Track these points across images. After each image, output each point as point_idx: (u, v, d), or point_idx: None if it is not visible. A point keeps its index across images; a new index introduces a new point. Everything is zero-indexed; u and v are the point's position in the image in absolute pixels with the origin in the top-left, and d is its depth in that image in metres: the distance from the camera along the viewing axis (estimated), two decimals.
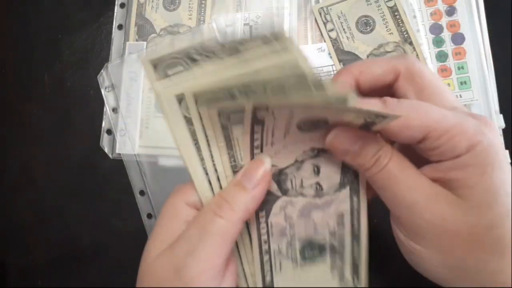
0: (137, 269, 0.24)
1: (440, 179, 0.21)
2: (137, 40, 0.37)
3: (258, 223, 0.25)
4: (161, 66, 0.21)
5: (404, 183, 0.21)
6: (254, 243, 0.25)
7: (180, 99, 0.21)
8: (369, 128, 0.21)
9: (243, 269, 0.26)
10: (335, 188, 0.25)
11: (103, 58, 0.38)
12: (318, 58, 0.36)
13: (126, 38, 0.38)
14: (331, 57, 0.36)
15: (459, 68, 0.35)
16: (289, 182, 0.24)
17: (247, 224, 0.24)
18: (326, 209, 0.25)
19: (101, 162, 0.37)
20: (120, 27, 0.38)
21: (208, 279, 0.21)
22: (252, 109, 0.21)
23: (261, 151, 0.23)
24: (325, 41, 0.36)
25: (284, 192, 0.24)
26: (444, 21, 0.36)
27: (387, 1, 0.36)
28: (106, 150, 0.36)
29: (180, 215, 0.23)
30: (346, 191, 0.25)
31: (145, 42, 0.37)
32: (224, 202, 0.22)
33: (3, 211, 0.38)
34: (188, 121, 0.22)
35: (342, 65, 0.35)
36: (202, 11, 0.37)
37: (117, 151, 0.36)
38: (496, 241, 0.20)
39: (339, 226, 0.26)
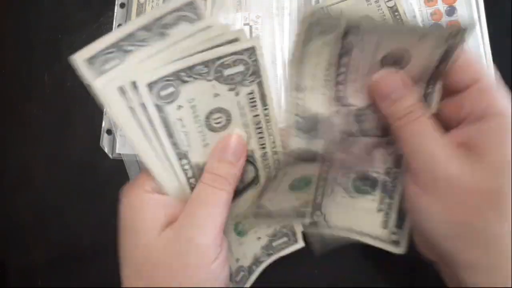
0: None
1: (464, 142, 0.22)
2: None
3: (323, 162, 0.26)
4: (97, 63, 0.22)
5: (429, 136, 0.22)
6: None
7: (123, 91, 0.22)
8: (446, 61, 0.22)
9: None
10: None
11: None
12: None
13: None
14: None
15: None
16: (367, 123, 0.25)
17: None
18: (388, 146, 0.26)
19: (101, 162, 0.37)
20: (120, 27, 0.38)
21: (216, 248, 0.23)
22: (343, 31, 0.21)
23: (345, 87, 0.24)
24: None
25: (362, 132, 0.26)
26: (444, 21, 0.36)
27: (387, 1, 0.36)
28: (106, 150, 0.36)
29: (149, 203, 0.24)
30: None
31: None
32: (219, 177, 0.24)
33: (3, 211, 0.38)
34: (133, 112, 0.22)
35: None
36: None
37: (117, 151, 0.36)
38: (505, 206, 0.21)
39: (396, 166, 0.27)
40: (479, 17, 0.35)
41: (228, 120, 0.25)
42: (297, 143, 0.25)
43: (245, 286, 0.28)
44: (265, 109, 0.25)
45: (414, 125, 0.23)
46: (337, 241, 0.29)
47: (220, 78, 0.23)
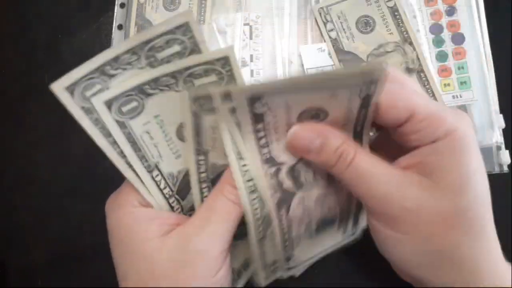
0: None
1: (417, 164, 0.21)
2: None
3: (280, 221, 0.25)
4: (78, 91, 0.21)
5: (374, 177, 0.21)
6: (277, 238, 0.25)
7: (109, 105, 0.22)
8: (367, 106, 0.21)
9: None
10: None
11: None
12: (318, 58, 0.36)
13: (126, 38, 0.38)
14: (331, 57, 0.36)
15: (459, 68, 0.35)
16: (303, 177, 0.24)
17: (268, 223, 0.25)
18: (339, 193, 0.26)
19: (101, 162, 0.37)
20: (120, 27, 0.38)
21: (222, 260, 0.23)
22: (248, 102, 0.20)
23: (269, 149, 0.23)
24: (325, 41, 0.36)
25: (299, 187, 0.25)
26: (444, 21, 0.36)
27: (387, 1, 0.36)
28: None
29: (140, 217, 0.23)
30: None
31: None
32: (237, 190, 0.23)
33: (3, 211, 0.38)
34: (121, 125, 0.22)
35: (342, 65, 0.35)
36: (202, 11, 0.37)
37: None
38: (470, 223, 0.20)
39: (348, 202, 0.27)
40: (479, 17, 0.35)
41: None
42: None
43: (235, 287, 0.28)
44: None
45: (352, 170, 0.21)
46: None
47: (189, 89, 0.22)
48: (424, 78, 0.34)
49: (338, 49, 0.36)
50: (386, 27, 0.35)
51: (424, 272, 0.22)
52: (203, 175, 0.25)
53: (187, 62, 0.22)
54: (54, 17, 0.40)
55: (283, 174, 0.24)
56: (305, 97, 0.21)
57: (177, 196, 0.25)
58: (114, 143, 0.22)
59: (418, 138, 0.21)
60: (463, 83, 0.35)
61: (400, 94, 0.21)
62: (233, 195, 0.23)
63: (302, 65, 0.36)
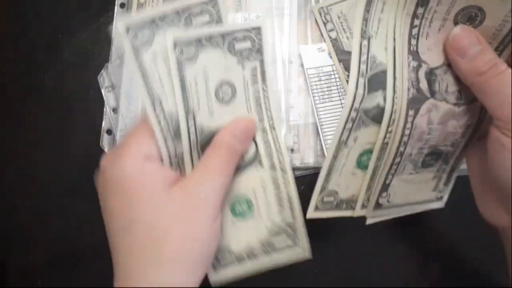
0: None
1: None
2: None
3: (406, 122, 0.26)
4: (130, 32, 0.25)
5: None
6: (395, 143, 0.27)
7: (175, 44, 0.25)
8: None
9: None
10: (472, 99, 0.26)
11: (103, 58, 0.38)
12: (318, 58, 0.36)
13: None
14: (331, 57, 0.36)
15: None
16: (437, 84, 0.26)
17: (389, 126, 0.27)
18: (460, 119, 0.27)
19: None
20: None
21: (218, 211, 0.25)
22: None
23: (417, 42, 0.24)
24: (325, 41, 0.36)
25: (432, 93, 0.26)
26: None
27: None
28: (106, 150, 0.36)
29: (145, 170, 0.24)
30: (478, 103, 0.26)
31: None
32: (231, 147, 0.26)
33: (3, 211, 0.38)
34: (180, 65, 0.25)
35: (342, 65, 0.35)
36: None
37: None
38: None
39: (462, 137, 0.28)
40: None
41: (234, 94, 0.27)
42: (364, 100, 0.26)
43: (229, 272, 0.28)
44: (264, 87, 0.27)
45: (501, 78, 0.23)
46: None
47: (232, 50, 0.26)
48: None
49: (338, 49, 0.36)
50: None
51: None
52: (192, 137, 0.26)
53: (232, 27, 0.26)
54: (54, 17, 0.40)
55: (422, 72, 0.25)
56: None
57: (199, 150, 0.27)
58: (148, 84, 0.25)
59: None
60: None
61: None
62: (227, 154, 0.26)
63: (302, 65, 0.36)
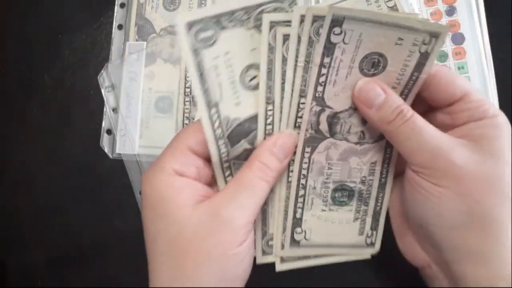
0: (137, 269, 0.24)
1: (464, 136, 0.23)
2: (137, 40, 0.37)
3: (302, 157, 0.27)
4: (193, 30, 0.22)
5: (429, 131, 0.23)
6: (294, 176, 0.27)
7: (190, 27, 0.22)
8: (419, 73, 0.24)
9: (271, 208, 0.28)
10: (375, 139, 0.27)
11: (103, 58, 0.38)
12: None
13: (126, 38, 0.38)
14: None
15: (459, 68, 0.35)
16: (339, 126, 0.26)
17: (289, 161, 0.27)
18: (362, 156, 0.27)
19: (101, 162, 0.37)
20: (120, 27, 0.38)
21: (247, 232, 0.24)
22: (330, 24, 0.22)
23: (324, 88, 0.24)
24: None
25: (332, 134, 0.26)
26: (444, 21, 0.36)
27: (387, 1, 0.36)
28: (106, 150, 0.36)
29: (174, 184, 0.24)
30: (383, 142, 0.27)
31: (145, 42, 0.37)
32: (267, 168, 0.25)
33: (3, 211, 0.38)
34: (195, 52, 0.23)
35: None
36: None
37: (117, 151, 0.36)
38: (504, 189, 0.22)
39: (370, 174, 0.28)
40: (479, 17, 0.35)
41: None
42: None
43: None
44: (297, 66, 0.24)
45: (409, 125, 0.23)
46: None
47: (259, 27, 0.23)
48: None
49: None
50: None
51: (456, 233, 0.23)
52: (218, 131, 0.25)
53: None
54: (54, 17, 0.40)
55: (324, 116, 0.25)
56: (378, 33, 0.22)
57: (226, 140, 0.25)
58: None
59: (468, 115, 0.24)
60: None
61: (456, 75, 0.25)
62: (261, 172, 0.24)
63: None
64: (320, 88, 0.24)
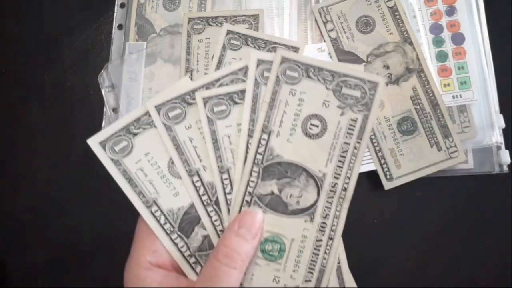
0: None
1: None
2: (137, 40, 0.37)
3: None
4: (108, 145, 0.27)
5: None
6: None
7: (104, 145, 0.27)
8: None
9: None
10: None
11: (103, 58, 0.38)
12: (318, 58, 0.36)
13: (126, 38, 0.38)
14: (331, 57, 0.36)
15: (459, 68, 0.35)
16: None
17: None
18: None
19: (101, 162, 0.37)
20: (120, 27, 0.38)
21: None
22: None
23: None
24: (325, 41, 0.36)
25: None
26: (444, 21, 0.36)
27: (387, 1, 0.36)
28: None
29: (146, 280, 0.24)
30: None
31: (145, 42, 0.37)
32: (234, 253, 0.23)
33: (3, 211, 0.38)
34: (116, 162, 0.27)
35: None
36: (202, 11, 0.37)
37: None
38: None
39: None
40: (479, 17, 0.35)
41: (323, 132, 0.26)
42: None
43: None
44: (358, 142, 0.26)
45: None
46: None
47: (336, 92, 0.26)
48: (424, 78, 0.34)
49: (338, 49, 0.36)
50: (386, 27, 0.35)
51: None
52: (166, 226, 0.26)
53: (348, 70, 0.27)
54: (54, 17, 0.40)
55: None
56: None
57: (179, 233, 0.26)
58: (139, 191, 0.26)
59: None
60: (463, 83, 0.35)
61: None
62: (228, 258, 0.23)
63: None
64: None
